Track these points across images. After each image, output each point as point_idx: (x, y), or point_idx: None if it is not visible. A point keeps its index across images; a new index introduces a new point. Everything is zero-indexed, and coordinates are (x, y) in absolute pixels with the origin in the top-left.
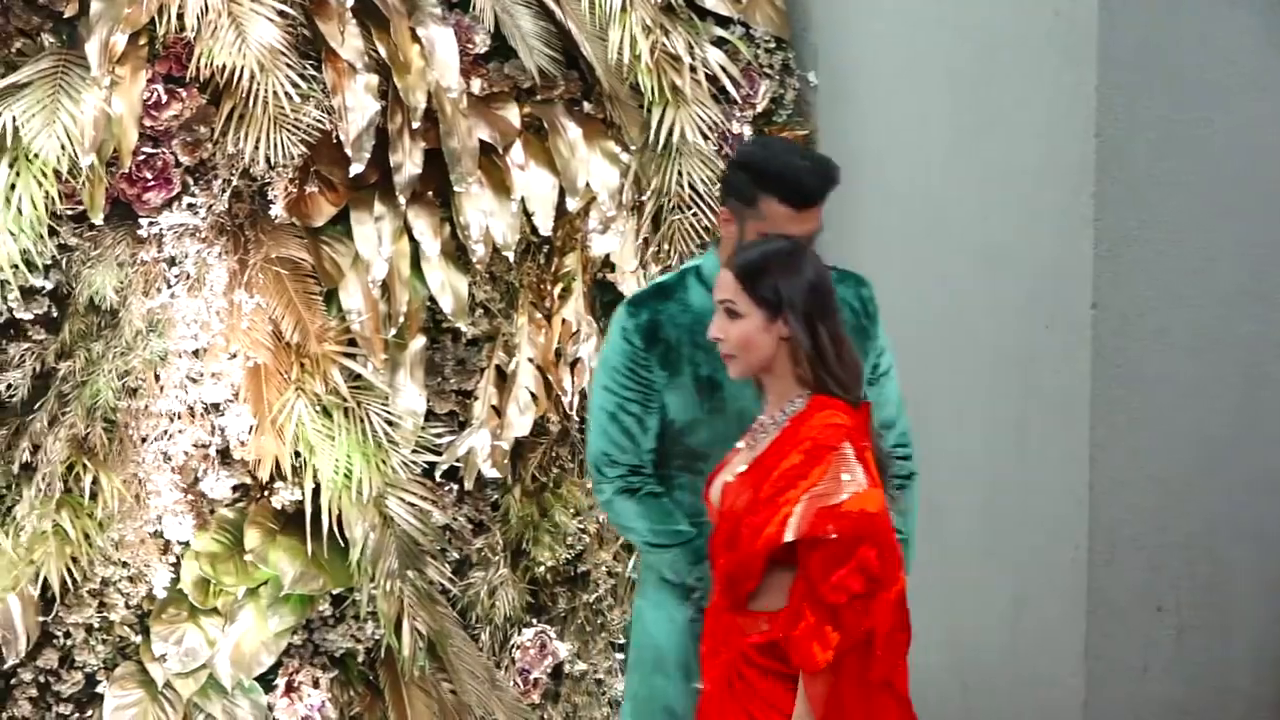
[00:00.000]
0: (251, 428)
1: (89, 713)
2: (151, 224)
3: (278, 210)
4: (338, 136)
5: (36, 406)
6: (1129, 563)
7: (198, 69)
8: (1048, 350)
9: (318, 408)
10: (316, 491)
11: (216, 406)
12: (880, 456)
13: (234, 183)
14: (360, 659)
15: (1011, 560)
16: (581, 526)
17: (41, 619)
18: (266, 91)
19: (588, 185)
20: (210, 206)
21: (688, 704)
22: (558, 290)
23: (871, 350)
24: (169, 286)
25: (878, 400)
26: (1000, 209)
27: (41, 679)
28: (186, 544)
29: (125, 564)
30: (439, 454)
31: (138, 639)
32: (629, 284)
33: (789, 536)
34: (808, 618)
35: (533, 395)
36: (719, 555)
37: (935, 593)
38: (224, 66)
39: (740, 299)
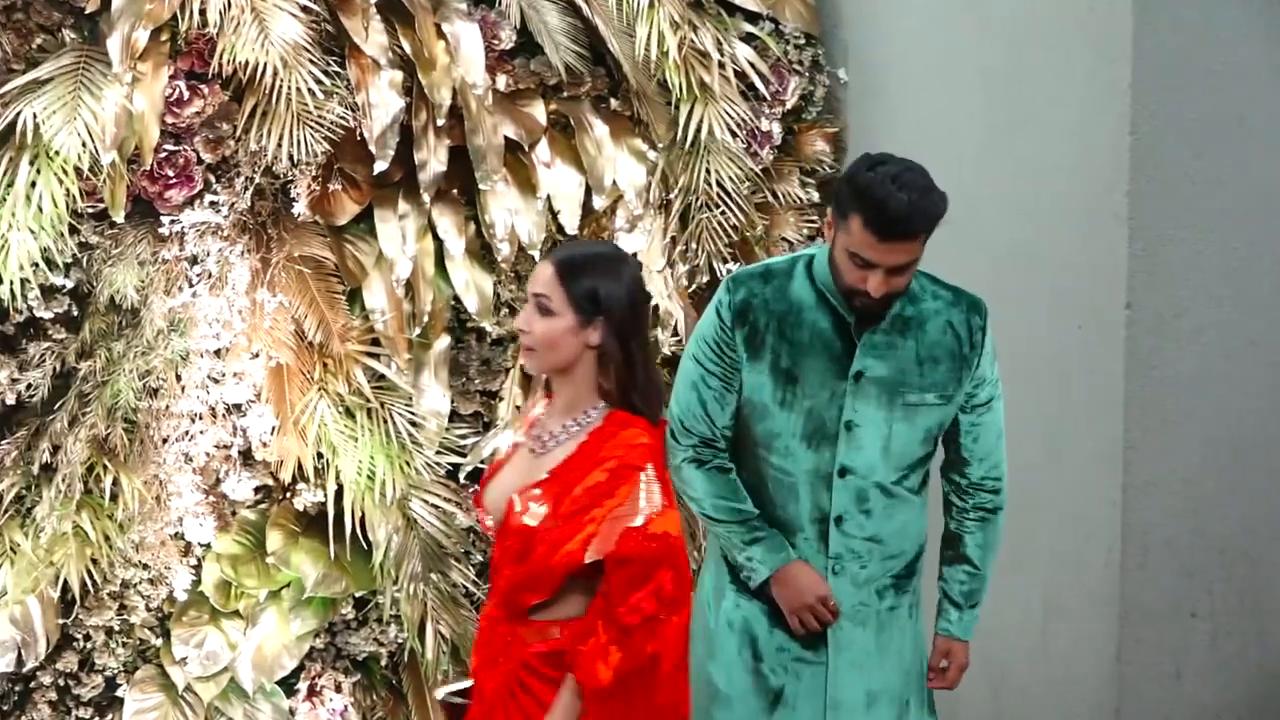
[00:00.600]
0: (273, 428)
1: (109, 716)
2: (173, 222)
3: (300, 208)
4: (361, 134)
5: (57, 406)
6: (1162, 566)
7: (220, 65)
8: (1080, 351)
9: (340, 408)
10: (339, 493)
11: (238, 407)
12: (962, 485)
13: (256, 180)
14: (383, 662)
15: (1043, 563)
16: None
17: (61, 621)
18: (289, 88)
19: (614, 183)
20: (232, 204)
21: (740, 685)
22: None
23: (968, 378)
24: (190, 285)
25: (972, 431)
26: (1033, 208)
27: (61, 682)
28: (208, 546)
29: (146, 566)
30: (463, 455)
31: (158, 642)
32: (656, 283)
33: (590, 557)
34: (600, 635)
35: None
36: (504, 567)
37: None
38: (246, 63)
39: (555, 296)
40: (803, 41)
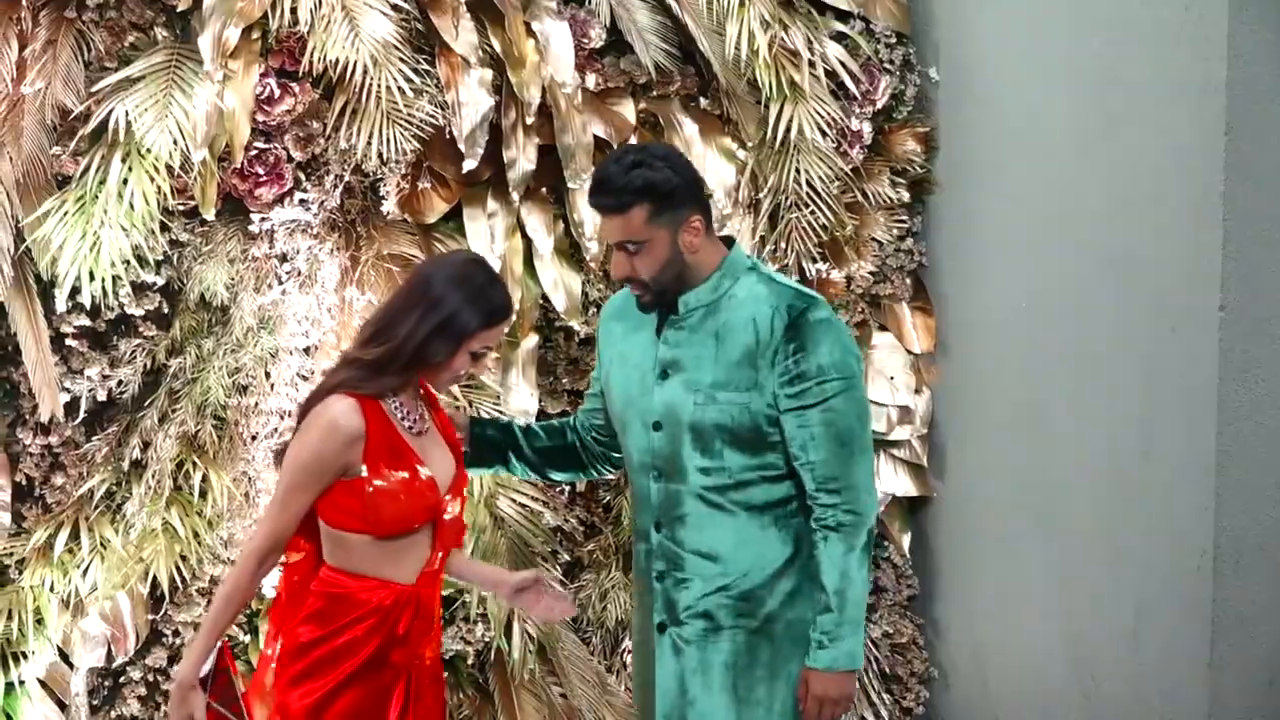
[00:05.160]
0: None
1: None
2: (263, 220)
3: (390, 206)
4: (451, 132)
5: (147, 403)
6: (1255, 572)
7: (310, 63)
8: (1173, 354)
9: None
10: None
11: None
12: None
13: (346, 178)
14: (470, 661)
15: (1135, 569)
16: None
17: (151, 617)
18: (379, 86)
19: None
20: (322, 202)
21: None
22: None
23: (769, 377)
24: (280, 283)
25: (798, 436)
26: (1126, 208)
27: (150, 678)
28: None
29: (234, 563)
30: None
31: (246, 639)
32: None
33: None
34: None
35: None
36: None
37: (1056, 601)
38: (337, 61)
39: None
40: (894, 40)
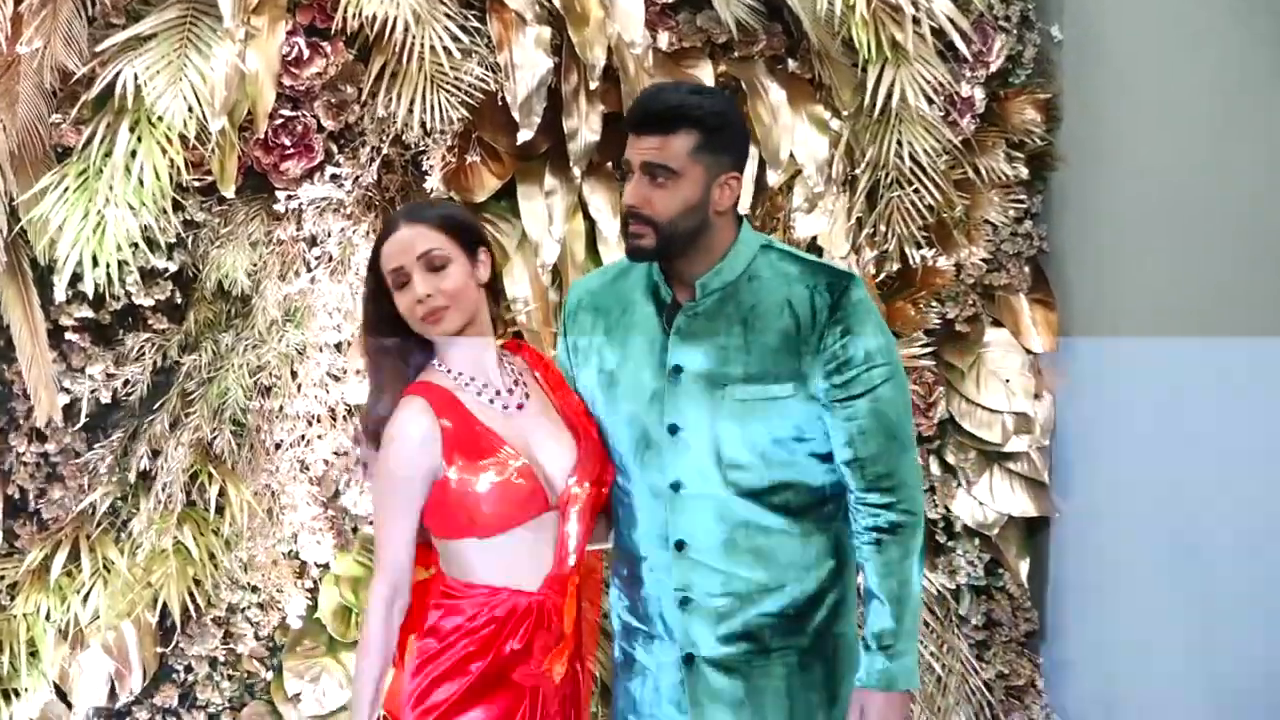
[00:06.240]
0: None
1: None
2: (289, 198)
3: (434, 183)
4: (503, 98)
5: (156, 406)
6: None
7: (344, 20)
8: None
9: None
10: None
11: (360, 408)
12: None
13: (384, 151)
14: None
15: (1277, 603)
16: None
17: (160, 650)
18: (423, 46)
19: (792, 156)
20: (356, 178)
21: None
22: None
23: (814, 367)
24: (308, 270)
25: (845, 430)
26: (1270, 189)
27: (159, 718)
28: (325, 566)
29: (255, 588)
30: None
31: (268, 675)
32: None
33: None
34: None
35: None
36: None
37: (1195, 636)
38: (374, 17)
39: (446, 245)
40: None
